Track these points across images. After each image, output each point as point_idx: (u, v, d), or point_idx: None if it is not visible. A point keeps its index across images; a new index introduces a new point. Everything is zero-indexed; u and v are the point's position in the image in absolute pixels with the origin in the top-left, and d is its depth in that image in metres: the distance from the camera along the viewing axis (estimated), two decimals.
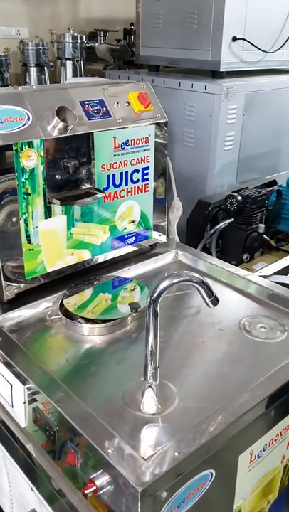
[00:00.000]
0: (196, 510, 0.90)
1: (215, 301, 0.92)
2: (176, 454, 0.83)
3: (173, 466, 0.82)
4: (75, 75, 3.04)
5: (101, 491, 0.87)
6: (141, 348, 1.04)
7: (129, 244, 1.42)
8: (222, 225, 2.02)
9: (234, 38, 2.13)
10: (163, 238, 1.50)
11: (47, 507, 1.09)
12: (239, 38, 2.13)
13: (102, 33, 3.33)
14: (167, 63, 2.44)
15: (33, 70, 2.96)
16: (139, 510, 0.79)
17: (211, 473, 0.90)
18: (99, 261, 1.37)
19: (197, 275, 0.90)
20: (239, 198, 1.91)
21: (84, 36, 3.05)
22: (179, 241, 1.57)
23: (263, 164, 2.32)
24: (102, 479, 0.86)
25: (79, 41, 3.01)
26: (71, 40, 3.00)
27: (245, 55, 2.19)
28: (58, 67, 3.09)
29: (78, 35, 2.98)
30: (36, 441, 1.07)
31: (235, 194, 1.93)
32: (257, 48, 2.17)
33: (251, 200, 1.95)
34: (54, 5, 3.28)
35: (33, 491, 1.13)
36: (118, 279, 1.35)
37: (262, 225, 2.00)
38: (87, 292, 1.28)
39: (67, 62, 3.05)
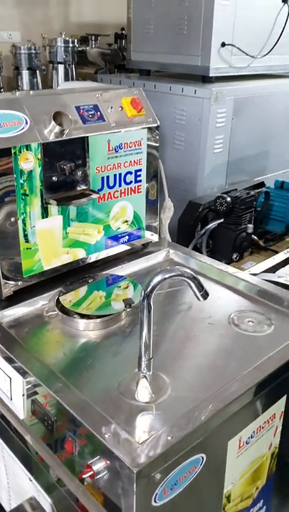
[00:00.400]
0: (188, 494, 0.96)
1: (205, 294, 0.98)
2: (169, 438, 0.89)
3: (166, 450, 0.87)
4: (66, 78, 3.10)
5: (98, 476, 0.92)
6: (135, 342, 1.10)
7: (122, 243, 1.48)
8: (212, 225, 2.08)
9: (223, 44, 2.20)
10: (155, 238, 1.57)
11: (45, 496, 1.14)
12: (228, 44, 2.20)
13: (93, 37, 3.39)
14: (158, 68, 2.51)
15: (25, 74, 3.01)
16: (134, 490, 0.85)
17: (202, 458, 0.96)
18: (93, 259, 1.42)
19: (188, 270, 0.97)
20: (228, 199, 1.98)
21: (75, 40, 3.10)
22: (170, 240, 1.63)
23: (252, 166, 2.40)
24: (98, 465, 0.92)
25: (71, 45, 3.07)
26: (63, 44, 3.05)
27: (233, 60, 2.26)
28: (49, 70, 3.14)
29: (70, 40, 3.04)
30: (34, 433, 1.12)
31: (225, 195, 2.00)
32: (245, 53, 2.25)
33: (240, 201, 2.02)
34: (46, 9, 3.34)
35: (31, 480, 1.18)
36: (112, 277, 1.41)
37: (251, 226, 2.07)
38: (83, 289, 1.34)
39: (59, 65, 3.11)
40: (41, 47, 3.06)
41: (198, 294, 0.98)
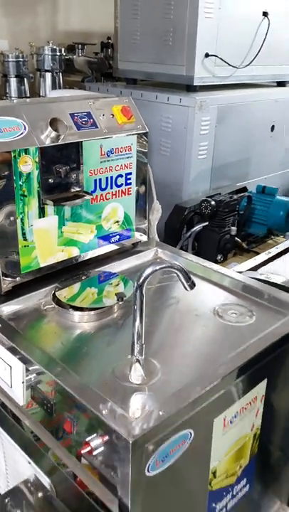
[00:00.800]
0: (177, 467, 1.07)
1: (192, 285, 1.10)
2: (160, 413, 1.00)
3: (158, 424, 0.98)
4: (54, 86, 3.22)
5: (95, 452, 1.03)
6: (127, 332, 1.22)
7: (113, 242, 1.59)
8: (197, 228, 2.21)
9: (207, 55, 2.35)
10: (144, 238, 1.69)
11: (44, 476, 1.24)
12: (211, 55, 2.35)
13: (80, 45, 3.53)
14: (144, 77, 2.65)
15: (13, 81, 3.12)
16: (130, 459, 0.96)
17: (190, 433, 1.07)
18: (87, 257, 1.53)
19: (176, 262, 1.09)
20: (213, 202, 2.12)
21: (62, 49, 3.23)
22: (158, 240, 1.75)
23: (234, 172, 2.54)
24: (96, 441, 1.02)
25: (58, 53, 3.19)
26: (50, 53, 3.18)
27: (217, 70, 2.41)
28: (37, 78, 3.26)
29: (57, 48, 3.17)
30: (34, 418, 1.22)
31: (209, 199, 2.13)
32: (228, 63, 2.40)
33: (224, 205, 2.15)
34: (33, 18, 3.47)
35: (30, 463, 1.28)
36: (104, 274, 1.52)
37: (234, 228, 2.21)
38: (77, 285, 1.45)
39: (47, 73, 3.23)
40: (29, 55, 3.18)
41: (186, 284, 1.10)
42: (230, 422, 1.18)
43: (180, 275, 1.09)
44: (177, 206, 2.23)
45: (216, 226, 2.18)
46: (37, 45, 3.21)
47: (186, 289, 1.11)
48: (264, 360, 1.21)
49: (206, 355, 1.22)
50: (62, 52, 3.22)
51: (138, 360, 1.12)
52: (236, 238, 2.27)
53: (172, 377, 1.15)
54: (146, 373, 1.13)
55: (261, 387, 1.25)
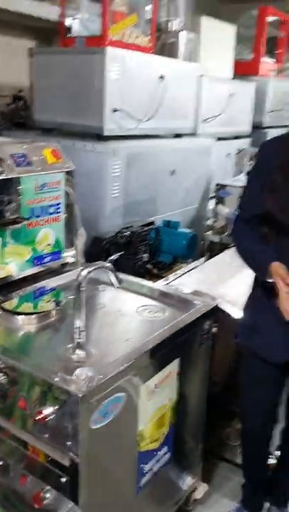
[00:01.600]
0: (114, 425, 1.42)
1: (120, 281, 1.50)
2: (100, 376, 1.36)
3: (99, 384, 1.34)
4: None
5: (49, 418, 1.35)
6: (64, 331, 1.60)
7: (46, 262, 1.95)
8: (114, 256, 2.63)
9: (114, 110, 2.85)
10: (72, 259, 2.07)
11: None
12: (118, 110, 2.86)
13: None
14: (59, 127, 3.09)
15: None
16: (79, 412, 1.30)
17: (123, 396, 1.44)
18: (24, 275, 1.88)
19: (107, 264, 1.49)
20: (127, 233, 2.56)
21: None
22: (84, 261, 2.14)
23: (143, 209, 3.02)
24: (48, 409, 1.36)
25: None
26: None
27: (123, 122, 2.91)
28: None
29: None
30: None
31: (124, 230, 2.57)
32: (132, 117, 2.92)
33: (136, 235, 2.60)
34: None
35: None
36: (39, 289, 1.87)
37: (146, 255, 2.65)
38: (18, 297, 1.78)
39: None
40: None
41: (115, 281, 1.49)
42: (153, 391, 1.57)
43: (110, 273, 1.48)
44: (96, 238, 2.63)
45: (131, 254, 2.61)
46: None
47: (114, 285, 1.50)
48: (174, 342, 1.63)
49: (129, 341, 1.60)
50: None
51: (79, 343, 1.48)
52: (148, 265, 2.71)
53: (105, 357, 1.51)
54: (86, 354, 1.49)
55: (175, 364, 1.66)
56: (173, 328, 1.64)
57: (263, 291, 1.64)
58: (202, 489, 1.99)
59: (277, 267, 1.51)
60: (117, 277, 1.49)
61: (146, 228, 2.72)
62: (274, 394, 1.79)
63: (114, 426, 1.43)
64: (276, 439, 1.98)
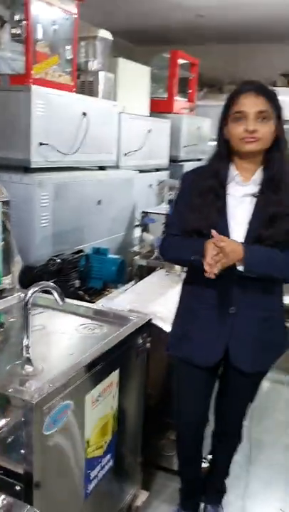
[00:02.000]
0: (63, 433, 1.57)
1: (63, 298, 1.67)
2: (49, 385, 1.51)
3: (49, 392, 1.49)
4: None
5: (1, 431, 1.48)
6: (7, 351, 1.73)
7: None
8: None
9: (40, 143, 3.05)
10: (9, 285, 2.20)
11: None
12: (44, 144, 3.06)
13: None
14: None
15: None
16: (33, 418, 1.44)
17: (71, 404, 1.59)
18: None
19: (51, 284, 1.66)
20: (58, 260, 2.73)
21: None
22: (20, 287, 2.28)
23: (72, 238, 3.21)
24: (1, 421, 1.49)
25: None
26: None
27: (49, 156, 3.12)
28: None
29: None
30: None
31: (55, 257, 2.74)
32: (58, 151, 3.14)
33: (67, 262, 2.78)
34: None
35: None
36: None
37: (77, 281, 2.83)
38: None
39: None
40: None
41: (58, 298, 1.67)
42: (97, 400, 1.74)
43: (54, 292, 1.66)
44: (27, 266, 2.77)
45: (62, 281, 2.77)
46: None
47: (58, 302, 1.68)
48: (113, 354, 1.81)
49: (72, 356, 1.77)
50: None
51: (28, 358, 1.62)
52: (79, 291, 2.89)
53: (51, 370, 1.66)
54: (34, 368, 1.64)
55: (115, 375, 1.84)
56: (111, 341, 1.83)
57: (195, 277, 1.85)
58: (143, 496, 2.15)
59: (210, 242, 1.66)
60: (60, 296, 1.67)
61: (76, 256, 2.91)
62: (204, 397, 2.01)
63: (63, 433, 1.58)
64: (207, 445, 2.20)
